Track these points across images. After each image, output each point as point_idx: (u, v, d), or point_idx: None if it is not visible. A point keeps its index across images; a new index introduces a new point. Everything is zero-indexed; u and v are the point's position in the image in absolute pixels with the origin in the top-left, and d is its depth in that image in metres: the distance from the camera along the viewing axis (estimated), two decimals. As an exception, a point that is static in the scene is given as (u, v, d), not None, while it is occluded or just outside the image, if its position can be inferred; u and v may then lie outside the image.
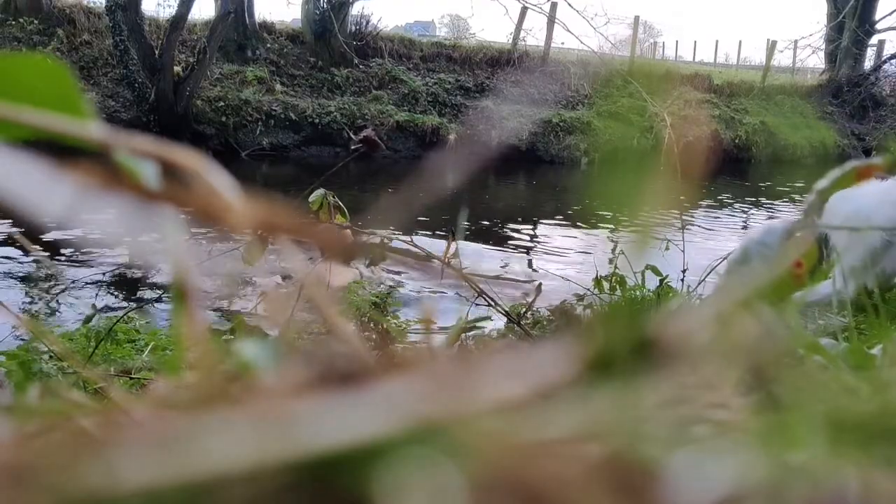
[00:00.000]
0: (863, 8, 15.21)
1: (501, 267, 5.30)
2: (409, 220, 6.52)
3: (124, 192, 0.25)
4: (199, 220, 0.26)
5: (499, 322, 1.83)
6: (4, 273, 4.52)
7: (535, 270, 5.24)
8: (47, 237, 5.16)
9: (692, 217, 7.50)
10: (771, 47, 15.59)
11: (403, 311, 3.44)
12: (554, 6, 13.69)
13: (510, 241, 6.32)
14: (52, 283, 4.44)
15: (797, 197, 9.24)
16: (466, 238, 5.97)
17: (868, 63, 15.69)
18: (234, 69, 11.56)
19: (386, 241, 1.24)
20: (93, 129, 0.28)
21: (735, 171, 11.07)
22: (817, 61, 17.61)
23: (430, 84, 12.66)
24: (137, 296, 4.17)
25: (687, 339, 0.23)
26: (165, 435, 0.17)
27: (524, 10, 13.79)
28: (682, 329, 0.23)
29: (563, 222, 7.30)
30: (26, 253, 4.80)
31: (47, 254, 4.96)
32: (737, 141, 12.88)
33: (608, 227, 6.68)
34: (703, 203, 8.71)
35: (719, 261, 1.88)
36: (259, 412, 0.18)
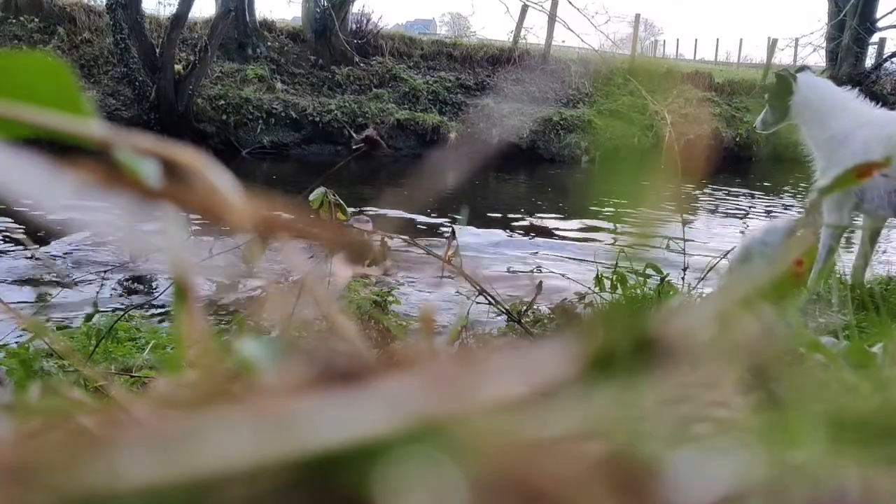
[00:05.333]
0: (863, 6, 15.18)
1: (505, 269, 5.30)
2: (409, 218, 6.52)
3: (125, 190, 0.25)
4: (201, 219, 0.26)
5: (500, 320, 1.84)
6: (5, 271, 4.52)
7: (535, 268, 5.23)
8: (48, 235, 5.16)
9: (693, 215, 7.50)
10: (772, 45, 15.57)
11: (404, 309, 3.44)
12: (555, 4, 13.68)
13: (511, 240, 6.32)
14: (53, 280, 4.44)
15: (797, 195, 9.24)
16: (466, 238, 5.97)
17: (869, 61, 15.68)
18: (235, 67, 11.56)
19: (387, 239, 1.24)
20: (93, 127, 0.28)
21: (736, 169, 11.06)
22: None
23: (430, 82, 12.66)
24: (138, 294, 4.17)
25: (688, 337, 0.23)
26: (166, 434, 0.17)
27: (525, 8, 13.79)
28: (682, 327, 0.23)
29: (564, 220, 7.30)
30: (27, 251, 4.81)
31: (48, 251, 4.96)
32: (737, 139, 12.87)
33: (609, 226, 6.68)
34: (704, 201, 8.71)
35: (719, 259, 1.88)
36: (259, 411, 0.18)
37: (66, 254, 4.97)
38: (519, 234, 6.65)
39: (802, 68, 3.68)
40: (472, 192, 8.53)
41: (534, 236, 6.59)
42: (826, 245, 3.38)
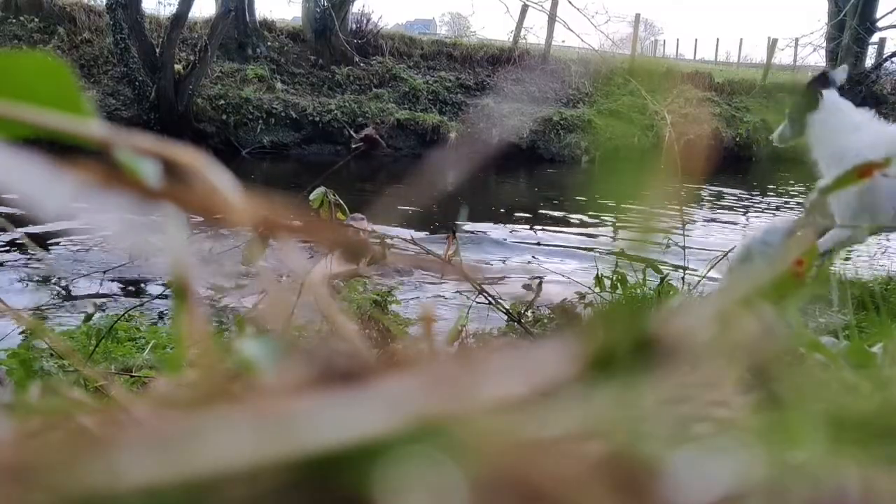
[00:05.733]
0: (863, 6, 15.18)
1: (502, 263, 5.30)
2: (410, 217, 6.52)
3: (125, 190, 0.25)
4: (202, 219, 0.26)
5: (500, 320, 1.83)
6: (5, 270, 4.52)
7: (535, 267, 5.23)
8: (48, 235, 5.16)
9: (693, 215, 7.49)
10: (772, 45, 15.57)
11: (404, 309, 3.44)
12: (555, 4, 13.68)
13: (511, 240, 6.32)
14: (53, 280, 4.44)
15: (798, 195, 9.24)
16: (466, 235, 5.97)
17: (869, 61, 15.68)
18: (235, 67, 11.56)
19: (387, 239, 1.24)
20: (93, 127, 0.28)
21: (736, 169, 11.06)
22: (818, 59, 17.60)
23: (430, 82, 12.66)
24: (138, 294, 4.17)
25: (688, 337, 0.23)
26: (166, 433, 0.17)
27: (525, 7, 13.79)
28: (682, 327, 0.23)
29: (564, 220, 7.30)
30: (27, 251, 4.81)
31: (48, 251, 4.96)
32: (737, 139, 12.87)
33: (609, 226, 6.68)
34: (704, 201, 8.71)
35: (719, 258, 1.88)
36: (259, 411, 0.18)
37: (66, 253, 4.97)
38: (519, 233, 6.65)
39: (824, 77, 3.64)
40: (472, 192, 8.53)
41: (534, 236, 6.60)
42: (826, 248, 3.37)
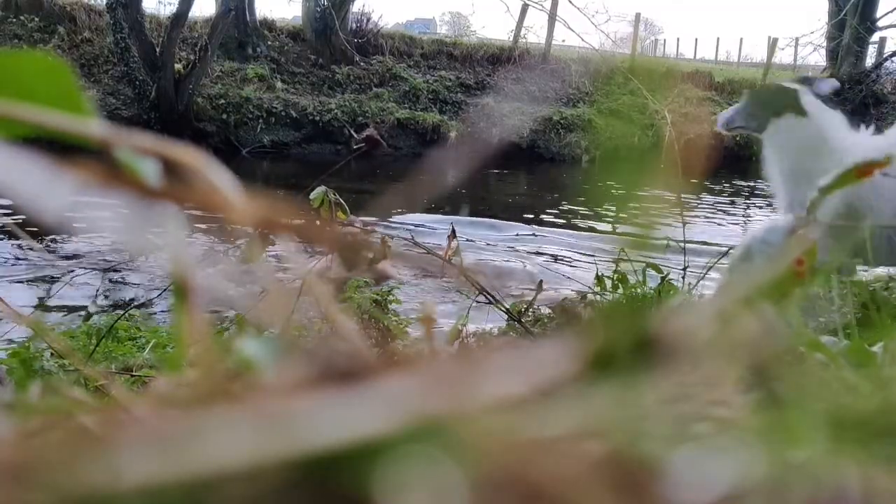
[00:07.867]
0: (864, 5, 15.17)
1: (503, 263, 5.30)
2: (408, 217, 6.52)
3: (125, 189, 0.25)
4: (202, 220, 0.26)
5: (500, 320, 1.84)
6: (5, 270, 4.52)
7: (535, 267, 5.23)
8: (48, 234, 5.16)
9: (693, 214, 7.49)
10: (772, 45, 15.56)
11: (404, 308, 3.43)
12: (555, 3, 13.67)
13: (511, 239, 6.32)
14: (53, 280, 4.44)
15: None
16: (465, 235, 5.97)
17: (869, 60, 15.67)
18: (235, 67, 11.55)
19: (387, 238, 1.24)
20: (93, 126, 0.28)
21: (736, 168, 11.06)
22: (818, 59, 17.59)
23: (430, 81, 12.66)
24: (138, 293, 4.17)
25: (688, 336, 0.23)
26: (166, 433, 0.17)
27: (525, 7, 13.78)
28: (683, 327, 0.23)
29: (565, 220, 7.30)
30: (27, 250, 4.81)
31: (48, 250, 4.96)
32: (737, 138, 12.85)
33: (609, 225, 6.68)
34: (704, 200, 8.71)
35: (719, 258, 1.88)
36: (260, 410, 0.18)
37: (66, 252, 4.97)
38: (519, 233, 6.65)
39: (806, 79, 3.07)
40: (472, 192, 8.53)
41: (534, 235, 6.60)
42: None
